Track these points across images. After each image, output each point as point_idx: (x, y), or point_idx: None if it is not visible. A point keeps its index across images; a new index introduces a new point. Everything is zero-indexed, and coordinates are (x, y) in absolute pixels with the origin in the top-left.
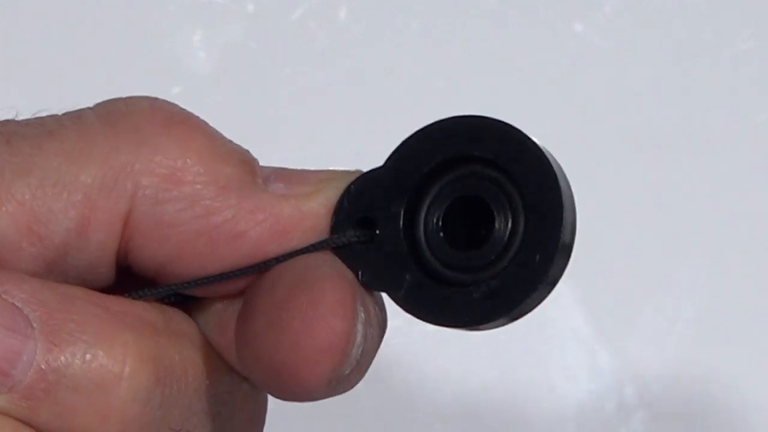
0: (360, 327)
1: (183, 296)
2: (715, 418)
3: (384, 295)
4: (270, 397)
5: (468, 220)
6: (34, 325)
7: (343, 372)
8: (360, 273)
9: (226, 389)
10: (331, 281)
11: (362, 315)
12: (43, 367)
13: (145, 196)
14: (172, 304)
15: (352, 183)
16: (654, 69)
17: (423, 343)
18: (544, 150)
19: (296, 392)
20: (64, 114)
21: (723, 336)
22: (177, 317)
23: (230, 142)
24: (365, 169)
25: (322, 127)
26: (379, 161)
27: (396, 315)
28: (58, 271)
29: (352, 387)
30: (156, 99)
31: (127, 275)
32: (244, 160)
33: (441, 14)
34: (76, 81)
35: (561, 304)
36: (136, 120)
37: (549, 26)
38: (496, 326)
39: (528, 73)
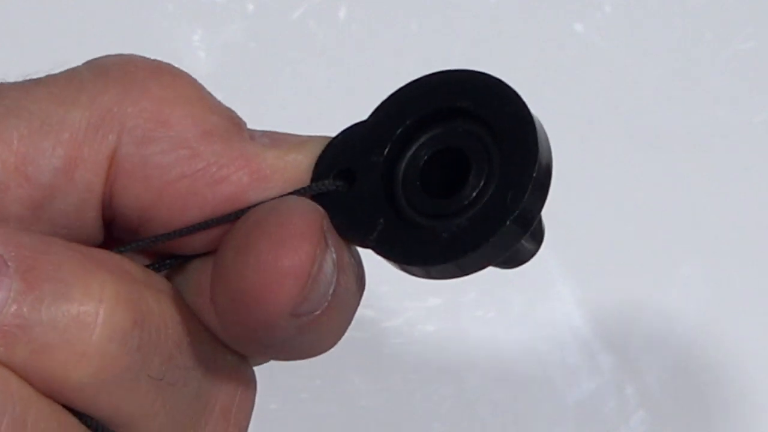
0: (329, 261)
1: (163, 260)
2: (715, 417)
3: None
4: (271, 400)
5: (447, 172)
6: (9, 264)
7: (309, 304)
8: (335, 218)
9: (210, 354)
10: (301, 208)
11: (333, 253)
12: (18, 304)
13: (130, 137)
14: (154, 269)
15: (335, 137)
16: (654, 69)
17: (423, 343)
18: (523, 100)
19: (259, 319)
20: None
21: (723, 336)
22: (157, 277)
23: (218, 100)
24: None
25: (322, 127)
26: None
27: (396, 315)
28: (45, 217)
29: (325, 339)
30: (144, 56)
31: (112, 241)
32: (231, 115)
33: (441, 14)
34: None
35: (560, 303)
36: (125, 67)
37: (549, 26)
38: (456, 272)
39: (528, 72)
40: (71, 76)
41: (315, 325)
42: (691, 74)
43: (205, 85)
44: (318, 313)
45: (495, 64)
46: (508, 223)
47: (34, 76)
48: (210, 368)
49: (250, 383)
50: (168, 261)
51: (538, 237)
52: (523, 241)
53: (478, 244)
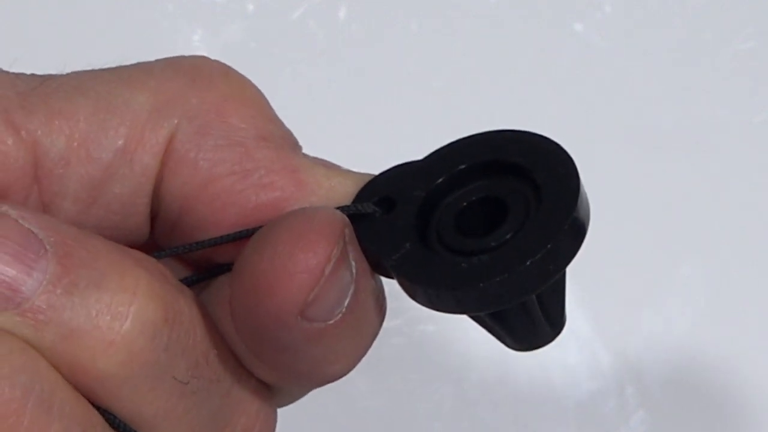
0: (346, 270)
1: (194, 277)
2: (715, 417)
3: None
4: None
5: (485, 220)
6: (48, 248)
7: (319, 308)
8: (363, 238)
9: (233, 372)
10: (325, 211)
11: (353, 267)
12: (52, 287)
13: (189, 125)
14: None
15: (385, 171)
16: (654, 69)
17: (423, 343)
18: (576, 166)
19: (269, 312)
20: None
21: (723, 336)
22: (188, 290)
23: (280, 119)
24: (369, 170)
25: (322, 126)
26: (379, 160)
27: (396, 315)
28: (101, 200)
29: (338, 357)
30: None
31: (153, 248)
32: (288, 132)
33: (441, 14)
34: None
35: None
36: (195, 62)
37: (549, 26)
38: (477, 304)
39: (528, 73)
40: (141, 64)
41: (326, 336)
42: (691, 74)
43: None
44: (331, 323)
45: (495, 64)
46: (528, 262)
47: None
48: (234, 387)
49: (271, 414)
50: (197, 276)
51: (558, 325)
52: (540, 321)
53: (491, 276)
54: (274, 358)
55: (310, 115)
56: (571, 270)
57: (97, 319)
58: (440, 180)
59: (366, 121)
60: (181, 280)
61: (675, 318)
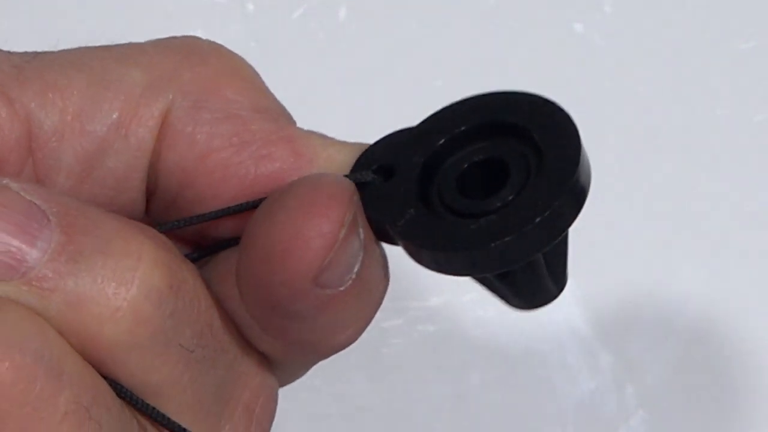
0: (356, 237)
1: (195, 253)
2: (715, 417)
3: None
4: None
5: (486, 181)
6: (51, 218)
7: (332, 274)
8: (367, 207)
9: (236, 345)
10: (333, 177)
11: (360, 232)
12: (56, 254)
13: (184, 100)
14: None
15: (381, 138)
16: (654, 69)
17: (423, 343)
18: (576, 127)
19: (282, 280)
20: None
21: (723, 336)
22: (191, 264)
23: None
24: None
25: (322, 126)
26: None
27: (396, 314)
28: (95, 174)
29: (347, 325)
30: None
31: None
32: (282, 106)
33: (441, 14)
34: None
35: (560, 303)
36: (187, 40)
37: (549, 26)
38: (480, 264)
39: (528, 72)
40: (134, 43)
41: (337, 303)
42: (691, 74)
43: None
44: (342, 289)
45: (495, 64)
46: (536, 221)
47: None
48: (237, 360)
49: (274, 390)
50: (199, 253)
51: (561, 283)
52: (546, 279)
53: (501, 236)
54: (282, 329)
55: (310, 115)
56: (571, 270)
57: (103, 286)
58: (439, 144)
59: (366, 121)
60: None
61: (675, 317)
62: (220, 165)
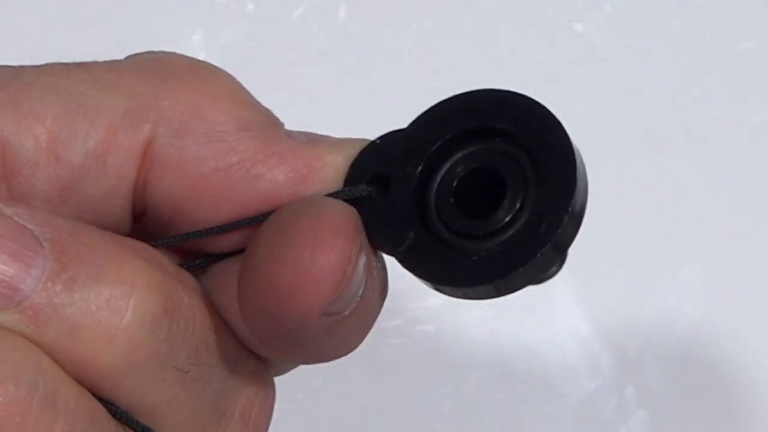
0: (361, 265)
1: (192, 261)
2: (715, 417)
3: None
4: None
5: (481, 192)
6: (44, 244)
7: (341, 304)
8: (366, 224)
9: (234, 357)
10: (336, 207)
11: (364, 257)
12: (51, 284)
13: (166, 128)
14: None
15: (372, 141)
16: (654, 69)
17: (423, 343)
18: (564, 128)
19: (291, 317)
20: None
21: (723, 336)
22: (187, 274)
23: (256, 99)
24: None
25: (322, 126)
26: None
27: (396, 314)
28: (73, 200)
29: (349, 341)
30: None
31: (144, 236)
32: (268, 113)
33: (441, 14)
34: None
35: (561, 303)
36: (164, 61)
37: (549, 26)
38: (490, 294)
39: (528, 72)
40: (112, 64)
41: (342, 326)
42: (691, 74)
43: None
44: (347, 313)
45: (495, 64)
46: (539, 254)
47: None
48: (233, 370)
49: (270, 391)
50: (198, 261)
51: (560, 262)
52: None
53: (507, 272)
54: (285, 348)
55: (310, 115)
56: (571, 269)
57: (97, 314)
58: (431, 150)
59: (366, 121)
60: (179, 265)
61: (675, 317)
62: (211, 191)
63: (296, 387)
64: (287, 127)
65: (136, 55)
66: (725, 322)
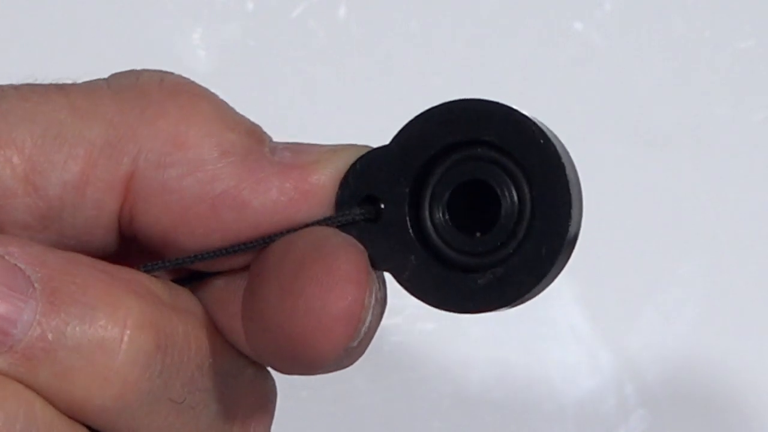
0: (372, 298)
1: (189, 275)
2: (715, 417)
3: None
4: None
5: (473, 202)
6: (36, 285)
7: (355, 342)
8: (367, 250)
9: (231, 371)
10: (345, 249)
11: (374, 292)
12: (43, 327)
13: (147, 160)
14: (179, 283)
15: (358, 160)
16: (654, 68)
17: (423, 343)
18: (550, 137)
19: (309, 363)
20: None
21: (723, 334)
22: (184, 295)
23: (239, 114)
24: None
25: (322, 125)
26: None
27: (396, 314)
28: (53, 227)
29: (353, 359)
30: (167, 72)
31: (138, 253)
32: (251, 130)
33: (441, 14)
34: (76, 80)
35: (560, 302)
36: (143, 87)
37: (549, 25)
38: (493, 311)
39: (528, 71)
40: (91, 88)
41: (353, 355)
42: (691, 74)
43: (205, 84)
44: (356, 345)
45: (495, 63)
46: (545, 278)
47: (38, 77)
48: (230, 386)
49: (270, 395)
50: (194, 277)
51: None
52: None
53: (514, 298)
54: (291, 372)
55: (309, 115)
56: (571, 269)
57: (90, 356)
58: (417, 168)
59: (365, 120)
60: (174, 280)
61: (675, 317)
62: (198, 221)
63: (296, 387)
64: (285, 126)
65: (116, 76)
66: (725, 320)
